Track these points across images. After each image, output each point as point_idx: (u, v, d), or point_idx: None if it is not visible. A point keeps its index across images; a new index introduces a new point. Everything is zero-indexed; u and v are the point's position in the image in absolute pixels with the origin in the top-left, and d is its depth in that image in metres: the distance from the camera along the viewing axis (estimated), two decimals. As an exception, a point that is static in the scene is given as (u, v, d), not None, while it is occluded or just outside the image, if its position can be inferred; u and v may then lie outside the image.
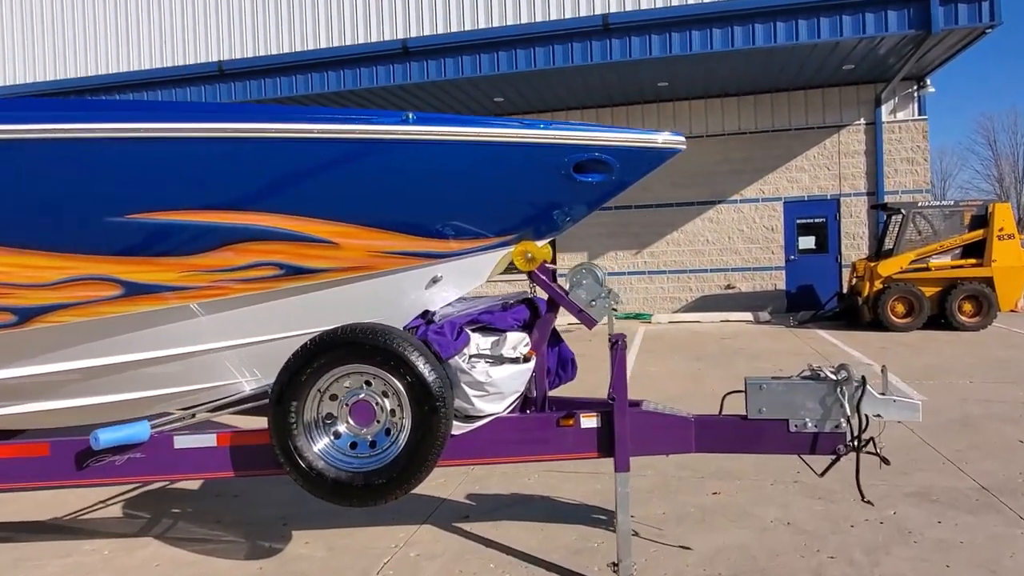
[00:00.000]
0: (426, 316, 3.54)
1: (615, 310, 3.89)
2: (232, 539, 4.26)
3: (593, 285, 3.40)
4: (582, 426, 3.36)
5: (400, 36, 13.81)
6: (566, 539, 4.02)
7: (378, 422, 3.20)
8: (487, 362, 3.27)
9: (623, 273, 16.31)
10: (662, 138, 3.28)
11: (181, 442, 3.43)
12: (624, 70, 13.50)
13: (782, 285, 15.71)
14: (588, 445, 3.39)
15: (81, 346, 3.56)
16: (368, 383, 3.17)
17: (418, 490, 4.98)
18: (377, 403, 3.18)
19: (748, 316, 14.77)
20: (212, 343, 3.56)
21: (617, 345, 3.42)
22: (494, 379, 3.21)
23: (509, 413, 3.48)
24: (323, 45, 14.24)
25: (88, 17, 16.01)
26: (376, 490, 3.09)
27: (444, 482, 4.94)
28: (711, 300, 15.98)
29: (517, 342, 3.42)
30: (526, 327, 3.58)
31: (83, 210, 3.03)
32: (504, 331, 3.44)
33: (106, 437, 3.24)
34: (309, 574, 3.73)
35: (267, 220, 3.13)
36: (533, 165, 3.18)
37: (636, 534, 3.93)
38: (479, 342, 3.39)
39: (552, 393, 3.86)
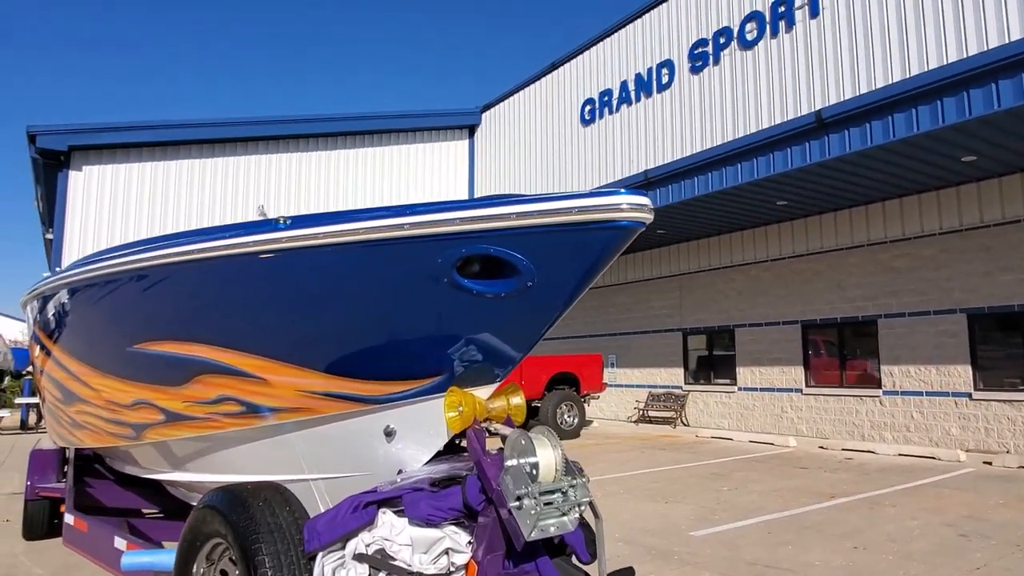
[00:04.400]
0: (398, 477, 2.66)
1: (581, 517, 2.14)
2: None
3: (520, 472, 1.97)
4: None
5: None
6: None
7: (254, 618, 2.46)
8: (366, 570, 2.20)
9: None
10: (596, 204, 1.77)
11: (199, 577, 3.32)
12: None
13: None
14: None
15: (192, 462, 3.88)
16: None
17: None
18: (253, 593, 2.47)
19: None
20: (239, 475, 3.41)
21: None
22: (338, 601, 2.12)
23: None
24: (951, 59, 10.02)
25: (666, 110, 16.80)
26: None
27: None
28: None
29: (429, 544, 2.22)
30: (471, 517, 2.31)
31: (108, 339, 3.33)
32: (419, 523, 2.28)
33: (128, 561, 3.38)
34: None
35: (206, 352, 2.89)
36: (400, 271, 2.11)
37: None
38: (394, 534, 2.32)
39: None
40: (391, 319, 2.36)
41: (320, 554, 2.31)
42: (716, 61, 16.17)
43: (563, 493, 2.10)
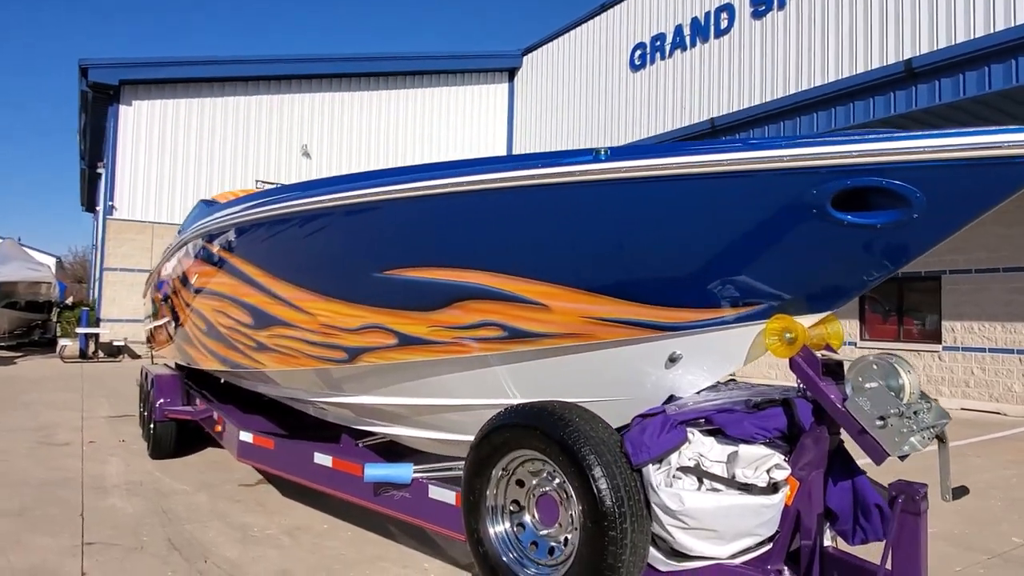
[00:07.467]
0: (670, 403, 2.78)
1: (940, 439, 2.26)
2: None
3: (883, 393, 2.07)
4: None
5: None
6: None
7: (560, 525, 2.63)
8: (696, 481, 2.34)
9: None
10: (1011, 140, 1.81)
11: (434, 493, 3.50)
12: None
13: None
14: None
15: (396, 385, 4.03)
16: (551, 476, 2.65)
17: None
18: (560, 502, 2.62)
19: None
20: (479, 399, 3.54)
21: (897, 502, 1.99)
22: (688, 507, 2.27)
23: (744, 564, 2.40)
24: None
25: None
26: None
27: None
28: None
29: (754, 460, 2.34)
30: (789, 440, 2.43)
31: (358, 266, 3.43)
32: (740, 441, 2.41)
33: (370, 472, 3.56)
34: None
35: (479, 278, 2.97)
36: (764, 201, 2.17)
37: None
38: (705, 451, 2.45)
39: (854, 550, 2.51)
40: (738, 250, 2.38)
41: (650, 466, 2.44)
42: (781, 6, 15.72)
43: (915, 415, 2.22)
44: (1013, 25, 10.34)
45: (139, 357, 18.73)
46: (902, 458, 2.20)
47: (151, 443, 7.24)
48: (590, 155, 2.47)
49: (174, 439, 7.16)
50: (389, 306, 3.43)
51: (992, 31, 10.64)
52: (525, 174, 2.59)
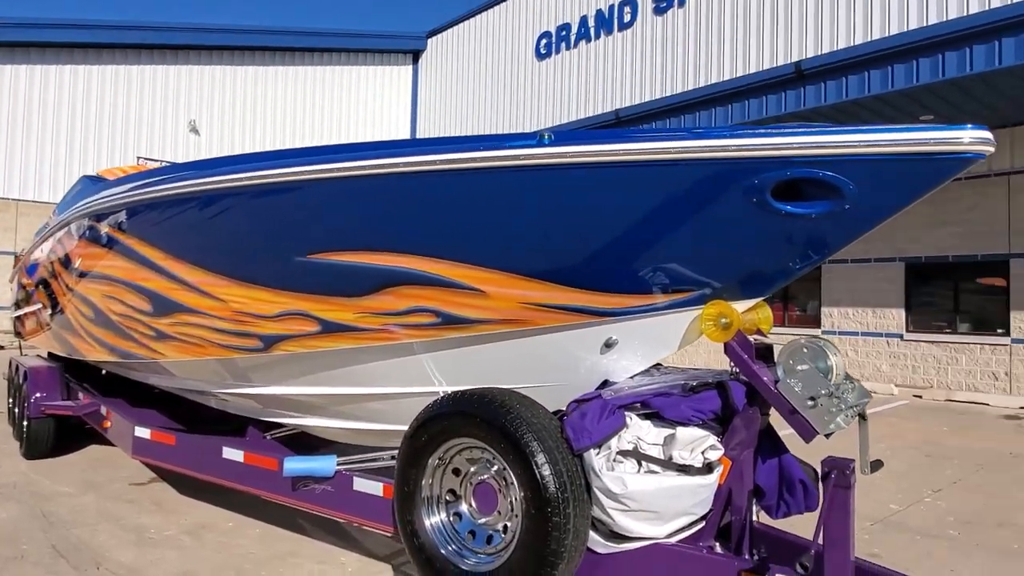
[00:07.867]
0: (604, 388, 2.80)
1: (862, 417, 2.46)
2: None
3: (813, 375, 2.18)
4: (776, 591, 2.17)
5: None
6: None
7: (499, 513, 2.60)
8: (635, 465, 2.37)
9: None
10: (936, 138, 1.93)
11: (359, 485, 3.38)
12: None
13: None
14: (783, 624, 2.16)
15: (314, 375, 3.84)
16: (489, 464, 2.61)
17: None
18: (499, 490, 2.59)
19: None
20: (404, 387, 3.44)
21: (830, 477, 2.11)
22: (631, 490, 2.30)
23: (679, 542, 2.47)
24: (931, 20, 10.81)
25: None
26: (472, 604, 2.50)
27: None
28: None
29: (691, 442, 2.41)
30: (721, 422, 2.52)
31: (279, 249, 3.23)
32: (676, 424, 2.47)
33: (290, 466, 3.39)
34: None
35: (413, 263, 2.87)
36: (707, 190, 2.21)
37: None
38: (643, 434, 2.49)
39: (781, 524, 2.64)
40: (679, 237, 2.39)
41: (591, 451, 2.44)
42: (681, 3, 16.28)
43: (842, 395, 2.34)
44: (888, 35, 11.22)
45: (2, 348, 17.01)
46: (828, 435, 2.34)
47: (24, 442, 6.59)
48: (534, 139, 2.43)
49: (52, 437, 6.55)
50: (313, 292, 3.25)
51: (870, 39, 11.50)
52: (466, 156, 2.51)
